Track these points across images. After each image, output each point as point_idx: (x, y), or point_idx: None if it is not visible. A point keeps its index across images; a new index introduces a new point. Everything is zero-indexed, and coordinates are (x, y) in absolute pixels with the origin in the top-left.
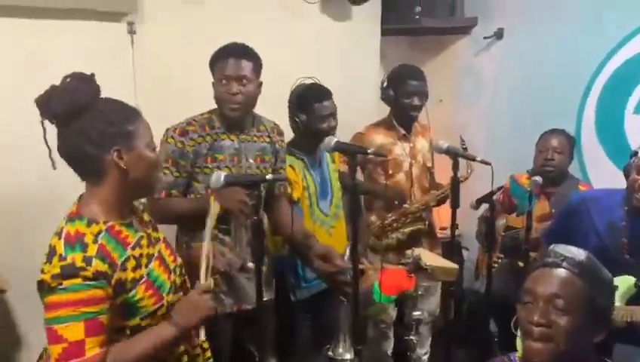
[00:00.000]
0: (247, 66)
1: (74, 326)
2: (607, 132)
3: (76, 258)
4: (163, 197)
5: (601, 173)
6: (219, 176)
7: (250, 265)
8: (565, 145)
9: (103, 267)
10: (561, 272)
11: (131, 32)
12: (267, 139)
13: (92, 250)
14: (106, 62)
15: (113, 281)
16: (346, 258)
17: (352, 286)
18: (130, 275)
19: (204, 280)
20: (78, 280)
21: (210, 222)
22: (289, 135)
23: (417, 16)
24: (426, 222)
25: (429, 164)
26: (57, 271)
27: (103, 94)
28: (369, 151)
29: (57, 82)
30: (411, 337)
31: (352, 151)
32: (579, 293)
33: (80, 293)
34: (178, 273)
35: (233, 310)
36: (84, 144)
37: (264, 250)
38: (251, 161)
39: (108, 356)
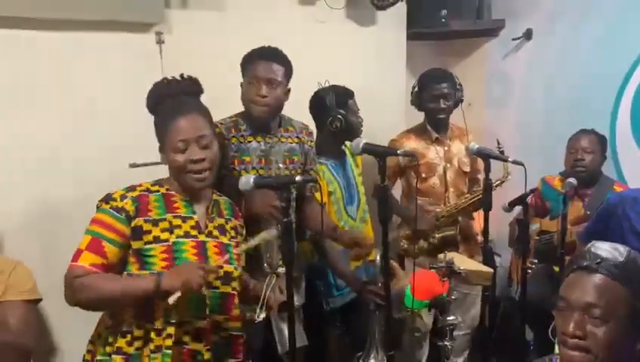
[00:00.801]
0: (277, 70)
1: (85, 238)
2: None
3: (117, 192)
4: None
5: (638, 174)
6: (248, 180)
7: (281, 270)
8: (596, 145)
9: (130, 208)
10: (598, 277)
11: (160, 42)
12: (296, 140)
13: (133, 193)
14: (136, 72)
15: (132, 224)
16: (376, 264)
17: (382, 294)
18: (155, 231)
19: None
20: (107, 206)
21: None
22: None
23: (443, 20)
24: (458, 227)
25: (466, 169)
26: (105, 196)
27: (133, 105)
28: (398, 151)
29: (87, 94)
30: (445, 343)
31: (381, 153)
32: (618, 300)
33: (102, 215)
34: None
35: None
36: (157, 134)
37: (295, 253)
38: (280, 163)
39: (90, 276)
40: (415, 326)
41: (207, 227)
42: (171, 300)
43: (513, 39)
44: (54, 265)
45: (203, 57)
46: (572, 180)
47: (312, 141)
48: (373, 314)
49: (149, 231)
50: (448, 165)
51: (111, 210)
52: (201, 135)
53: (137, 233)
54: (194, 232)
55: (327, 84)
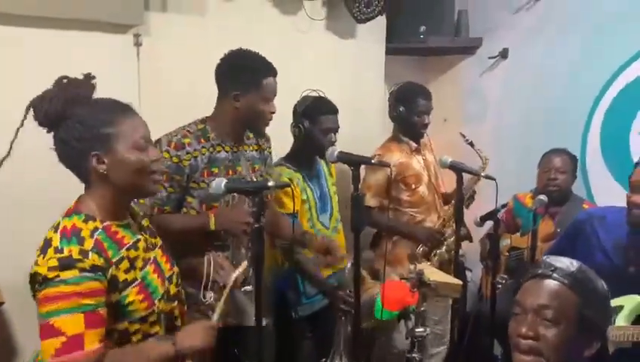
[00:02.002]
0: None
1: (73, 319)
2: (612, 152)
3: (73, 250)
4: (156, 213)
5: (607, 194)
6: (219, 183)
7: (248, 288)
8: (568, 165)
9: (99, 261)
10: (551, 283)
11: (137, 44)
12: (255, 147)
13: (89, 243)
14: (112, 73)
15: (108, 276)
16: (347, 272)
17: (352, 300)
18: (122, 276)
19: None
20: (75, 272)
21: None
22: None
23: (422, 36)
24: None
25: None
26: (54, 263)
27: None
28: (373, 161)
29: None
30: (414, 355)
31: (356, 161)
32: (569, 305)
33: (78, 285)
34: (174, 282)
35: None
36: (68, 151)
37: (264, 259)
38: (244, 171)
39: (105, 358)
40: (393, 345)
41: (147, 240)
42: None
43: (490, 57)
44: (17, 264)
45: (181, 61)
46: (542, 197)
47: (270, 148)
48: (340, 322)
49: (118, 278)
50: (429, 173)
51: (85, 274)
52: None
53: (112, 284)
54: (148, 254)
55: (320, 93)
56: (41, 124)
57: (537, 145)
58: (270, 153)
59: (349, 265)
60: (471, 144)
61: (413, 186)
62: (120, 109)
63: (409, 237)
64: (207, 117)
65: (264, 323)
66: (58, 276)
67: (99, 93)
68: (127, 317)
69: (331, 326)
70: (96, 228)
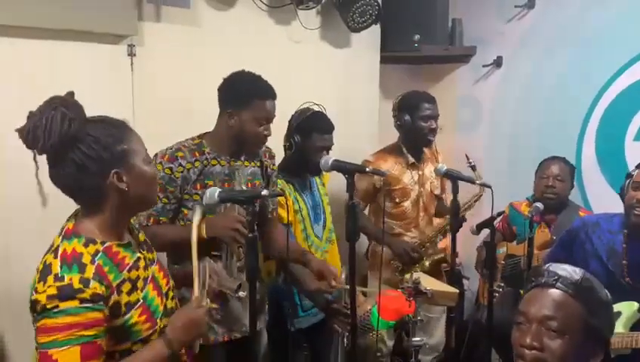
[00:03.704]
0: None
1: (70, 351)
2: (607, 159)
3: (74, 279)
4: (152, 224)
5: (603, 201)
6: (213, 192)
7: (242, 293)
8: (566, 173)
9: (100, 289)
10: (555, 293)
11: (131, 54)
12: (258, 163)
13: (90, 271)
14: (105, 84)
15: (110, 303)
16: (343, 281)
17: (347, 313)
18: (125, 299)
19: (198, 294)
20: (76, 303)
21: (194, 239)
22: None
23: (416, 45)
24: (445, 252)
25: (437, 192)
26: (54, 291)
27: None
28: (367, 169)
29: None
30: None
31: (350, 170)
32: (573, 315)
33: (77, 316)
34: (171, 296)
35: (224, 339)
36: (83, 176)
37: (258, 269)
38: (243, 186)
39: None
40: (378, 347)
41: (145, 257)
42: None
43: (484, 66)
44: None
45: (175, 72)
46: (539, 204)
47: (274, 165)
48: (337, 336)
49: (120, 302)
50: (422, 190)
51: (85, 304)
52: None
53: (115, 310)
54: (147, 273)
55: (321, 108)
56: (43, 151)
57: (530, 152)
58: (274, 170)
59: (343, 276)
60: (473, 168)
61: (397, 200)
62: (123, 126)
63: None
64: (205, 133)
65: (259, 326)
66: (57, 306)
67: (94, 105)
68: (131, 338)
69: (328, 340)
70: (97, 252)
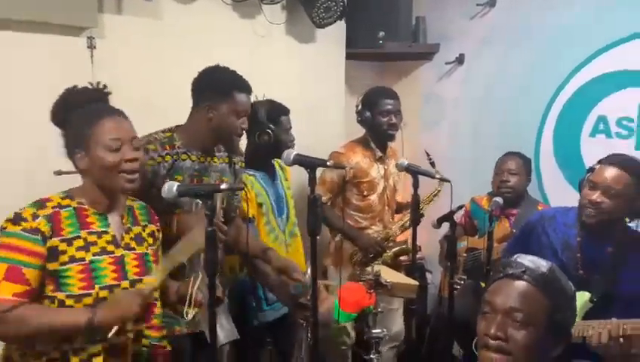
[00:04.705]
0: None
1: None
2: (564, 155)
3: (27, 211)
4: None
5: (560, 195)
6: (171, 187)
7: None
8: (521, 167)
9: (44, 227)
10: (522, 285)
11: (91, 46)
12: (226, 160)
13: (44, 211)
14: (65, 76)
15: (48, 244)
16: (307, 276)
17: (310, 308)
18: (71, 251)
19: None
20: (18, 228)
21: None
22: None
23: (381, 42)
24: (408, 242)
25: (398, 187)
26: (10, 216)
27: None
28: (329, 163)
29: (12, 96)
30: (372, 356)
31: (312, 164)
32: (538, 308)
33: (15, 239)
34: (136, 286)
35: (188, 331)
36: (66, 148)
37: (218, 263)
38: (212, 182)
39: (17, 310)
40: (340, 339)
41: (123, 239)
42: (110, 335)
43: (446, 63)
44: None
45: (136, 65)
46: (498, 199)
47: (242, 161)
48: (300, 329)
49: (64, 251)
50: (387, 184)
51: (23, 232)
52: (135, 136)
53: (53, 254)
54: (111, 248)
55: (264, 98)
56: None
57: (492, 148)
58: (243, 167)
59: (308, 271)
60: (432, 164)
61: (365, 193)
62: (104, 112)
63: (350, 240)
64: (177, 126)
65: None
66: (6, 228)
67: (52, 98)
68: (63, 288)
69: (292, 334)
70: (67, 206)
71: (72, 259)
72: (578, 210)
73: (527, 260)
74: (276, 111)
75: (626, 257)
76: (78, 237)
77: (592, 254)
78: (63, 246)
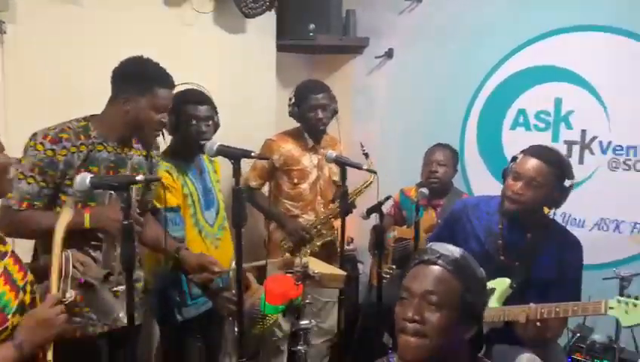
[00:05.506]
0: None
1: None
2: (487, 146)
3: None
4: (24, 209)
5: (483, 186)
6: (84, 179)
7: (121, 288)
8: (449, 159)
9: None
10: (436, 269)
11: (1, 31)
12: (143, 153)
13: None
14: None
15: None
16: (231, 272)
17: (236, 302)
18: None
19: (56, 290)
20: None
21: (60, 228)
22: None
23: (311, 34)
24: (335, 232)
25: (335, 178)
26: None
27: None
28: (253, 154)
29: None
30: (300, 348)
31: (236, 155)
32: (452, 291)
33: None
34: (28, 290)
35: (104, 329)
36: None
37: (135, 257)
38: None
39: None
40: (271, 332)
41: None
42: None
43: (376, 57)
44: None
45: (51, 52)
46: (424, 190)
47: (158, 155)
48: (227, 322)
49: None
50: (320, 173)
51: None
52: None
53: None
54: None
55: (194, 86)
56: None
57: (419, 140)
58: (158, 160)
59: (233, 264)
60: (366, 155)
61: (295, 181)
62: None
63: (278, 224)
64: (92, 115)
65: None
66: None
67: None
68: None
69: (220, 328)
70: None
71: None
72: (501, 199)
73: (441, 247)
74: (179, 101)
75: (542, 244)
76: None
77: (513, 241)
78: None
